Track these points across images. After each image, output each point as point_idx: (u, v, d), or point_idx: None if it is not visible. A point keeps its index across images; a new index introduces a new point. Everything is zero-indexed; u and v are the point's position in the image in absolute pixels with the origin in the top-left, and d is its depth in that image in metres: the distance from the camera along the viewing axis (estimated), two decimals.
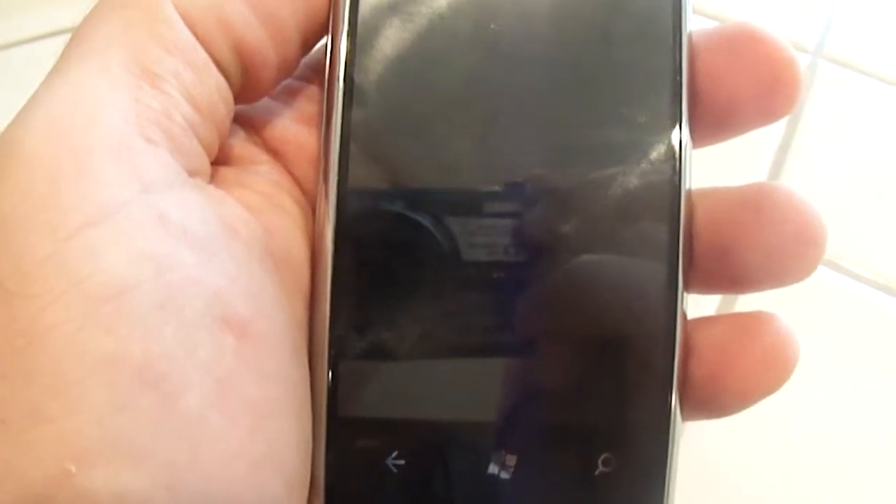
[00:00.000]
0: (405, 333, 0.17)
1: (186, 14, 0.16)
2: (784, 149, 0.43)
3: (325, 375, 0.17)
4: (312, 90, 0.20)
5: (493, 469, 0.17)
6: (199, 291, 0.15)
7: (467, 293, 0.18)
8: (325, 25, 0.18)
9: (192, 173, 0.16)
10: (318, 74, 0.19)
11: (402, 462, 0.17)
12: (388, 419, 0.17)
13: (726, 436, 0.33)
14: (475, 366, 0.18)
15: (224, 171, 0.18)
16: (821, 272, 0.39)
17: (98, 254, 0.14)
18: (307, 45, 0.19)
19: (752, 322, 0.18)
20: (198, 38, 0.17)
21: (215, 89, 0.17)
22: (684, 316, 0.18)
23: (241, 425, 0.15)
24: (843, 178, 0.42)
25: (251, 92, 0.18)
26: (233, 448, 0.15)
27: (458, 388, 0.18)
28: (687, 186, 0.18)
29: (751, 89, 0.18)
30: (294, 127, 0.19)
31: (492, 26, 0.18)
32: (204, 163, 0.17)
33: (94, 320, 0.14)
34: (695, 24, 0.19)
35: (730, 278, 0.18)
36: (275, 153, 0.19)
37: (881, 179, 0.42)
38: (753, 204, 0.18)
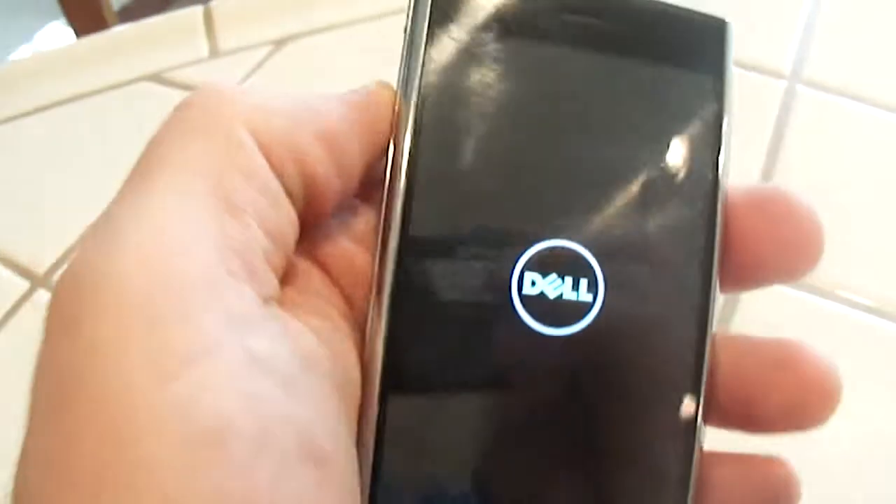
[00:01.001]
0: (456, 466, 0.18)
1: (262, 143, 0.17)
2: (767, 176, 0.42)
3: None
4: (363, 207, 0.20)
5: None
6: (290, 428, 0.15)
7: (512, 423, 0.18)
8: (384, 150, 0.19)
9: (266, 300, 0.17)
10: (370, 190, 0.20)
11: None
12: None
13: None
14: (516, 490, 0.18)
15: (287, 292, 0.18)
16: (809, 299, 0.38)
17: (199, 396, 0.14)
18: (368, 171, 0.19)
19: (763, 465, 0.19)
20: (272, 168, 0.17)
21: (287, 219, 0.17)
22: (700, 453, 0.19)
23: None
24: (827, 202, 0.41)
25: (313, 217, 0.19)
26: None
27: None
28: (712, 332, 0.19)
29: (778, 252, 0.19)
30: (344, 242, 0.19)
31: (548, 162, 0.19)
32: (275, 288, 0.17)
33: (196, 461, 0.14)
34: None
35: (750, 424, 0.19)
36: (322, 265, 0.19)
37: (864, 201, 0.42)
38: (778, 361, 0.19)
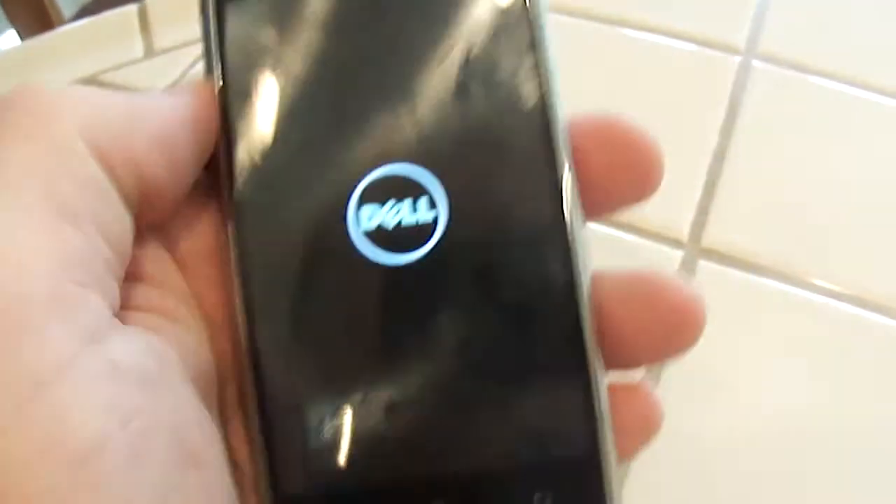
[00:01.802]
0: (331, 403, 0.18)
1: (95, 147, 0.16)
2: (719, 156, 0.41)
3: (266, 462, 0.18)
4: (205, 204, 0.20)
5: None
6: (160, 432, 0.15)
7: (391, 355, 0.18)
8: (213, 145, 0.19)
9: (112, 307, 0.16)
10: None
11: None
12: (327, 494, 0.18)
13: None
14: (405, 426, 0.18)
15: (133, 294, 0.18)
16: (766, 283, 0.37)
17: (62, 415, 0.14)
18: (199, 166, 0.19)
19: (627, 394, 0.19)
20: (106, 172, 0.16)
21: (123, 223, 0.17)
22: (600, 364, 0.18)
23: None
24: (783, 180, 0.41)
25: (149, 220, 0.18)
26: None
27: (391, 450, 0.18)
28: (580, 234, 0.18)
29: (622, 183, 0.19)
30: (189, 239, 0.19)
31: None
32: (117, 296, 0.17)
33: (73, 484, 0.13)
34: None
35: (618, 363, 0.19)
36: (171, 263, 0.19)
37: (821, 179, 0.41)
38: (645, 295, 0.19)
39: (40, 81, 0.17)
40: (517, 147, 0.18)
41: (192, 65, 0.50)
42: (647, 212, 0.37)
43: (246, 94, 0.18)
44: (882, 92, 0.44)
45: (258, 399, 0.18)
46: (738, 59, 0.45)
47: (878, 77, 0.45)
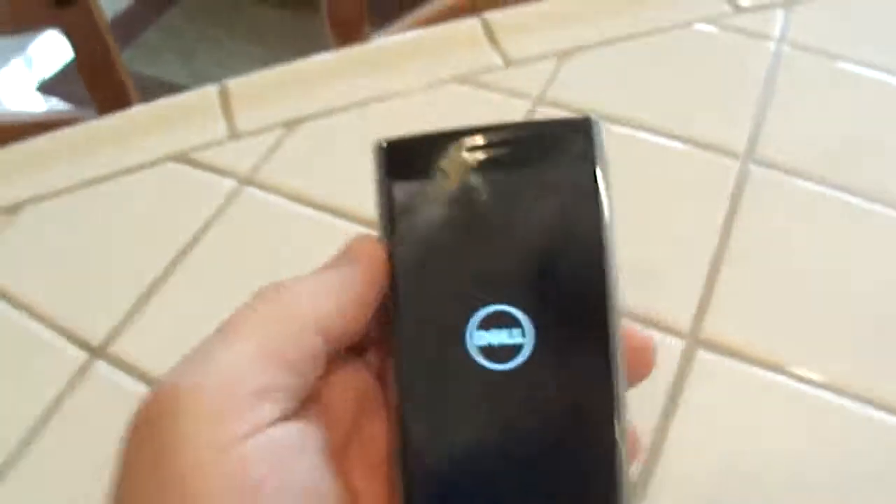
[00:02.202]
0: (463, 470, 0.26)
1: (321, 327, 0.25)
2: (719, 255, 0.47)
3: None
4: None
5: None
6: (294, 485, 0.23)
7: (493, 428, 0.26)
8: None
9: (284, 413, 0.24)
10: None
11: None
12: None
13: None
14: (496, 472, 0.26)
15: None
16: (759, 372, 0.42)
17: (243, 461, 0.22)
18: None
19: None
20: (322, 340, 0.25)
21: (317, 369, 0.25)
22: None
23: None
24: (777, 277, 0.46)
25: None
26: None
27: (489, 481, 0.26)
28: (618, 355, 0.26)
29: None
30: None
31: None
32: (290, 408, 0.25)
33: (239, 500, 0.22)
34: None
35: None
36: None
37: (814, 278, 0.46)
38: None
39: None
40: (582, 298, 0.26)
41: (273, 148, 0.56)
42: (651, 305, 0.43)
43: (408, 256, 0.27)
44: (871, 198, 0.50)
45: (404, 445, 0.26)
46: (735, 163, 0.52)
47: (867, 182, 0.50)
